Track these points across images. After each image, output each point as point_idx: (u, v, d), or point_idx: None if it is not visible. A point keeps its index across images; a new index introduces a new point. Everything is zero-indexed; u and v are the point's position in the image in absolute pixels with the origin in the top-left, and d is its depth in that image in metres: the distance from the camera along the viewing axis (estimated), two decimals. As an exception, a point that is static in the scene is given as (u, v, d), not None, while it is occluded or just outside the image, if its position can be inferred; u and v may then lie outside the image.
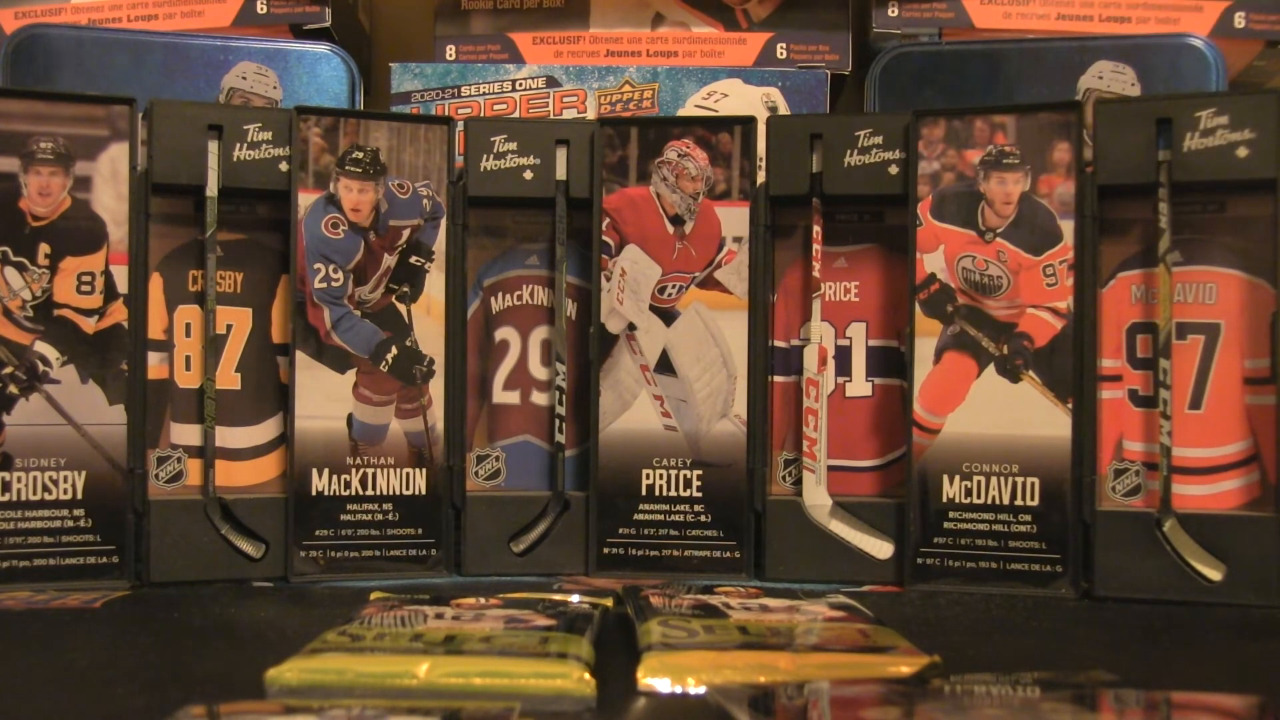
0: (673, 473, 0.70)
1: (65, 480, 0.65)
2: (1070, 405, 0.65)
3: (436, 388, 0.71)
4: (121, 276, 0.66)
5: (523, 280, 0.74)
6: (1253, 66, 0.84)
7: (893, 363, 0.71)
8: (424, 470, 0.70)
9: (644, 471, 0.70)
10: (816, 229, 0.70)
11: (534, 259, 0.74)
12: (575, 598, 0.57)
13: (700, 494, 0.70)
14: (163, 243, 0.68)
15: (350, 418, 0.69)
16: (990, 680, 0.44)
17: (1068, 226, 0.66)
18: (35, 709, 0.43)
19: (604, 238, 0.71)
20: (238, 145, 0.68)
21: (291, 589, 0.66)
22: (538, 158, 0.72)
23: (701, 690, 0.43)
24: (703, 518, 0.70)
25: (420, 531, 0.70)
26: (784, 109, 0.80)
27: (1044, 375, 0.66)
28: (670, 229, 0.71)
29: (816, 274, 0.70)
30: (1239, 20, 0.81)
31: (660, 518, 0.70)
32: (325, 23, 0.83)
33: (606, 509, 0.70)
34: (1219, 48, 0.77)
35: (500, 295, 0.74)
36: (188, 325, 0.69)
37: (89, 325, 0.66)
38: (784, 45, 0.84)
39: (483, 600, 0.55)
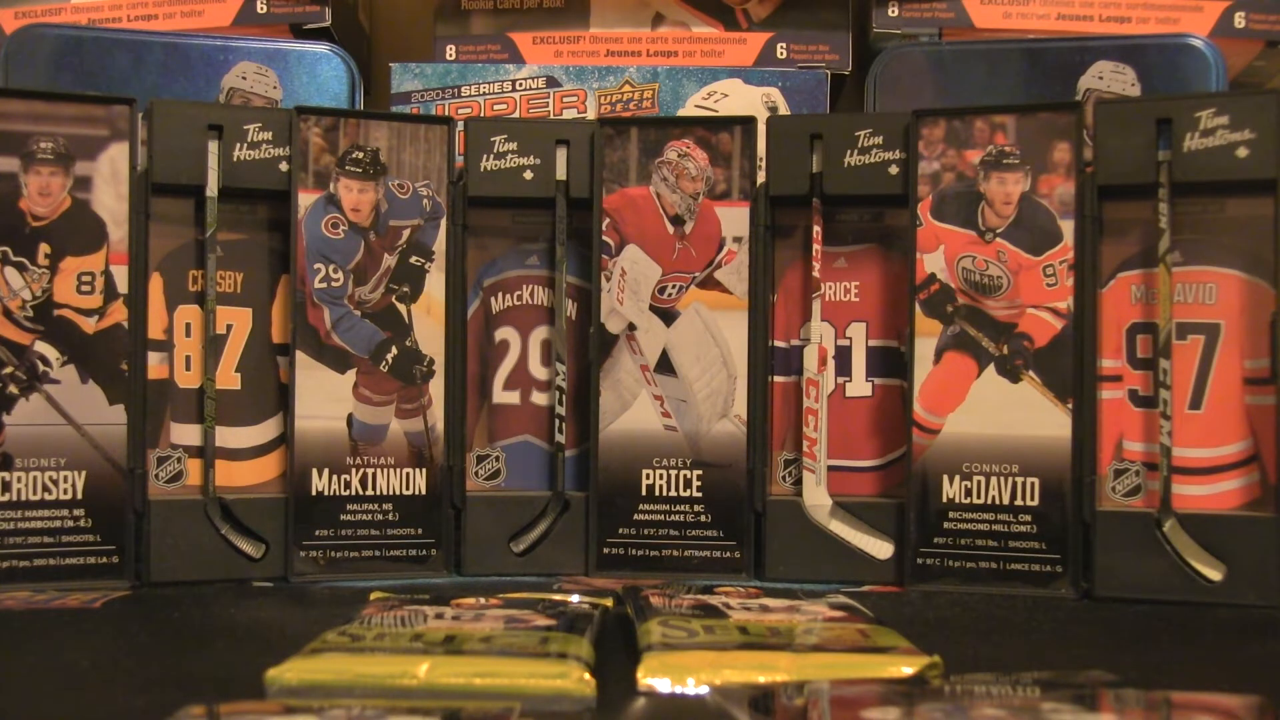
0: (673, 473, 0.70)
1: (65, 480, 0.65)
2: (1070, 405, 0.65)
3: (436, 388, 0.71)
4: (121, 276, 0.66)
5: (523, 280, 0.74)
6: (1253, 66, 0.84)
7: (893, 363, 0.71)
8: (424, 470, 0.70)
9: (644, 471, 0.70)
10: (816, 229, 0.70)
11: (534, 259, 0.74)
12: (575, 598, 0.57)
13: (700, 494, 0.70)
14: (163, 243, 0.68)
15: (350, 418, 0.69)
16: (990, 680, 0.44)
17: (1068, 226, 0.66)
18: (35, 709, 0.43)
19: (604, 238, 0.71)
20: (238, 145, 0.68)
21: (291, 589, 0.66)
22: (538, 158, 0.72)
23: (701, 690, 0.43)
24: (703, 518, 0.70)
25: (420, 531, 0.70)
26: (784, 109, 0.80)
27: (1044, 375, 0.66)
28: (670, 229, 0.71)
29: (816, 274, 0.70)
30: (1239, 20, 0.81)
31: (660, 518, 0.70)
32: (325, 23, 0.83)
33: (606, 509, 0.70)
34: (1219, 48, 0.77)
35: (500, 295, 0.74)
36: (188, 325, 0.69)
37: (89, 325, 0.66)
38: (784, 45, 0.84)
39: (483, 600, 0.55)
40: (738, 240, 0.71)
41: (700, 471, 0.70)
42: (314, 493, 0.68)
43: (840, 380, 0.71)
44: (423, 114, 0.80)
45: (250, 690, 0.43)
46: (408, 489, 0.70)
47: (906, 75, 0.80)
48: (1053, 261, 0.66)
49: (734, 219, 0.71)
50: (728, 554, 0.70)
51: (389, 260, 0.70)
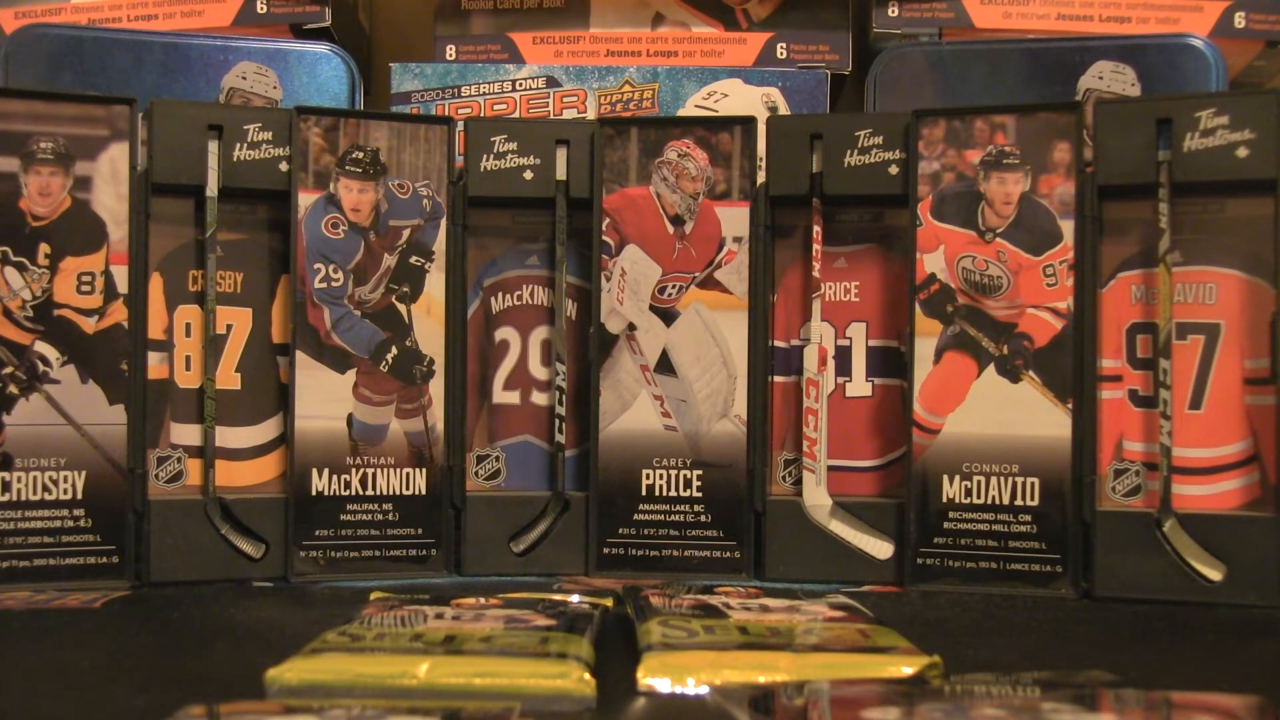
0: (673, 473, 0.70)
1: (65, 480, 0.65)
2: (1070, 405, 0.65)
3: (436, 388, 0.71)
4: (121, 276, 0.66)
5: (523, 280, 0.74)
6: (1253, 66, 0.84)
7: (893, 363, 0.71)
8: (424, 470, 0.70)
9: (644, 471, 0.70)
10: (816, 229, 0.70)
11: (534, 259, 0.74)
12: (575, 598, 0.57)
13: (700, 494, 0.70)
14: (163, 243, 0.68)
15: (350, 418, 0.69)
16: (990, 680, 0.44)
17: (1068, 226, 0.66)
18: (35, 709, 0.43)
19: (604, 238, 0.71)
20: (238, 145, 0.68)
21: (291, 589, 0.66)
22: (538, 158, 0.72)
23: (701, 690, 0.43)
24: (703, 518, 0.70)
25: (420, 531, 0.70)
26: (784, 109, 0.80)
27: (1044, 375, 0.66)
28: (670, 229, 0.71)
29: (816, 274, 0.70)
30: (1239, 20, 0.81)
31: (660, 518, 0.70)
32: (325, 23, 0.83)
33: (606, 509, 0.70)
34: (1219, 48, 0.77)
35: (500, 295, 0.74)
36: (188, 325, 0.69)
37: (89, 325, 0.66)
38: (784, 45, 0.84)
39: (483, 600, 0.55)
40: (738, 240, 0.71)
41: (700, 471, 0.70)
42: (314, 493, 0.68)
43: (840, 380, 0.71)
44: (423, 114, 0.80)
45: (250, 690, 0.43)
46: (408, 489, 0.70)
47: (906, 75, 0.80)
48: (1053, 261, 0.66)
49: (734, 219, 0.71)
50: (728, 554, 0.70)
51: (389, 260, 0.70)
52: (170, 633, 0.56)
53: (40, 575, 0.64)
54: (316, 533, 0.68)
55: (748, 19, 0.85)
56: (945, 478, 0.66)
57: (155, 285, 0.69)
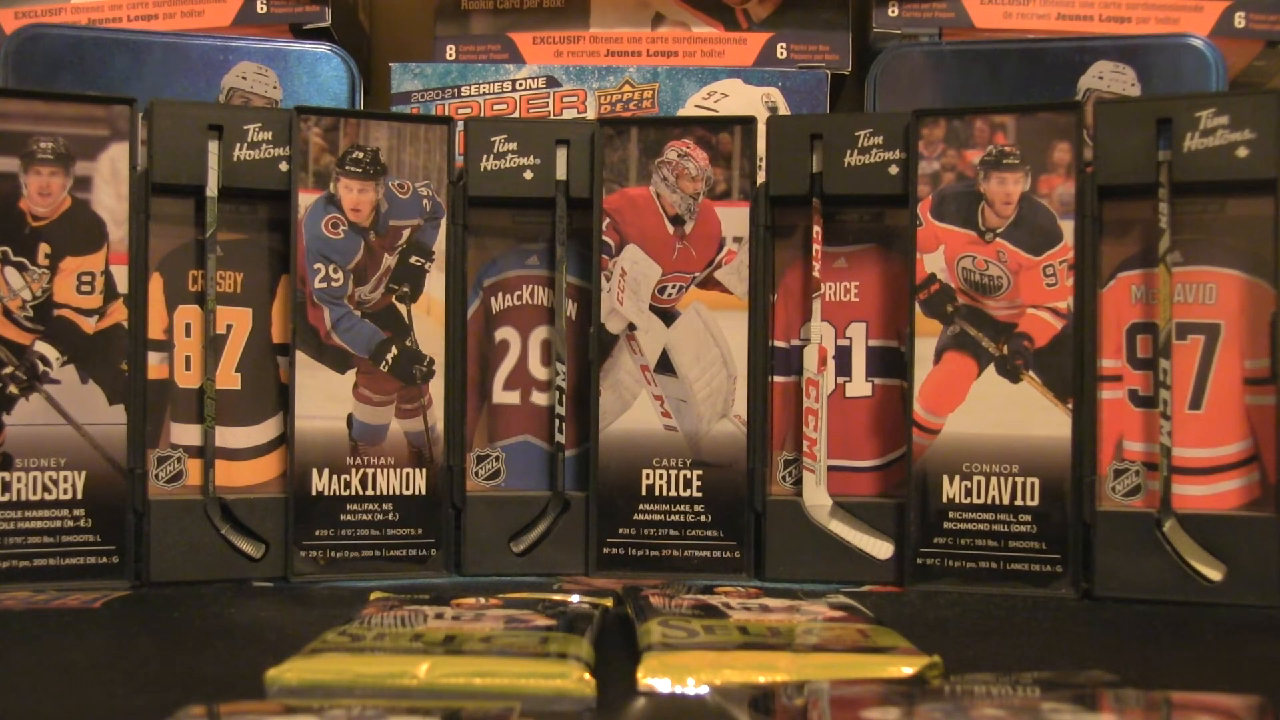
0: (673, 473, 0.70)
1: (65, 480, 0.65)
2: (1070, 405, 0.65)
3: (436, 388, 0.71)
4: (121, 276, 0.66)
5: (523, 280, 0.74)
6: (1253, 66, 0.84)
7: (893, 363, 0.71)
8: (424, 470, 0.70)
9: (644, 471, 0.70)
10: (816, 229, 0.70)
11: (534, 259, 0.74)
12: (575, 598, 0.57)
13: (700, 494, 0.70)
14: (163, 243, 0.68)
15: (350, 418, 0.69)
16: (990, 680, 0.44)
17: (1068, 226, 0.66)
18: (35, 709, 0.43)
19: (604, 238, 0.71)
20: (238, 145, 0.68)
21: (291, 589, 0.66)
22: (538, 158, 0.72)
23: (702, 690, 0.43)
24: (703, 518, 0.70)
25: (420, 531, 0.70)
26: (784, 109, 0.80)
27: (1044, 375, 0.66)
28: (670, 229, 0.71)
29: (816, 274, 0.70)
30: (1239, 20, 0.81)
31: (660, 518, 0.70)
32: (325, 23, 0.83)
33: (606, 509, 0.70)
34: (1219, 48, 0.77)
35: (500, 295, 0.74)
36: (188, 325, 0.69)
37: (89, 325, 0.66)
38: (784, 45, 0.84)
39: (483, 600, 0.55)
40: (738, 240, 0.71)
41: (700, 471, 0.70)
42: (314, 493, 0.68)
43: (840, 380, 0.71)
44: (423, 114, 0.80)
45: (250, 690, 0.43)
46: (408, 489, 0.70)
47: (906, 75, 0.80)
48: (1053, 261, 0.66)
49: (734, 219, 0.71)
50: (728, 554, 0.70)
51: (389, 260, 0.70)
52: (170, 633, 0.56)
53: (40, 575, 0.64)
54: (316, 533, 0.68)
55: (748, 19, 0.85)
56: (945, 478, 0.66)
57: (155, 285, 0.69)
